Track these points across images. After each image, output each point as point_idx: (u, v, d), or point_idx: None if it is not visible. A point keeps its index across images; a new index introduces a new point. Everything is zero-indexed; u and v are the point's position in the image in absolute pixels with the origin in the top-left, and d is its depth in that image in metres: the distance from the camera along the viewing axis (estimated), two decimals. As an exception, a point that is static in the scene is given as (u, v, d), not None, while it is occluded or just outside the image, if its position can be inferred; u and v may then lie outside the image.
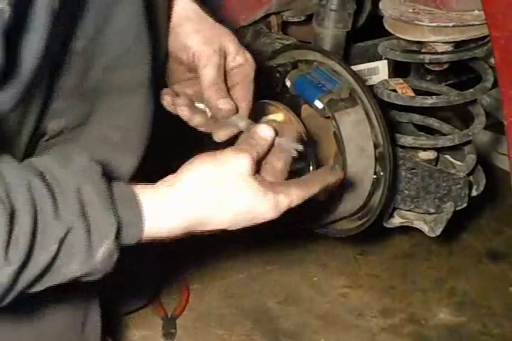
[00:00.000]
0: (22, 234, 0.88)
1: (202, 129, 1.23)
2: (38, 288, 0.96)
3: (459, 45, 1.47)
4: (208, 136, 1.23)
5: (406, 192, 1.49)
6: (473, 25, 1.38)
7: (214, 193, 1.03)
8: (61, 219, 0.91)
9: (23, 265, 0.89)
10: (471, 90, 1.48)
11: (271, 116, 1.39)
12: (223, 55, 1.20)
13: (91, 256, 0.95)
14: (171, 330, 1.97)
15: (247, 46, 1.25)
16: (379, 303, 2.09)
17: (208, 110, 1.21)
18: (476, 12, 1.36)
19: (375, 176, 1.35)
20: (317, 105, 1.34)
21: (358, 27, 1.71)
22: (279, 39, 1.73)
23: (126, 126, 1.17)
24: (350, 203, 1.37)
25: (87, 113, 1.14)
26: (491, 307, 2.07)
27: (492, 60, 1.45)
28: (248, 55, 1.23)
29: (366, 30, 1.75)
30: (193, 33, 1.21)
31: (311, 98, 1.34)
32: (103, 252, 0.95)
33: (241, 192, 1.04)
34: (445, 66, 1.51)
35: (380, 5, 1.48)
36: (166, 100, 1.22)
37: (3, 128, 1.01)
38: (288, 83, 1.42)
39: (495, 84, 1.47)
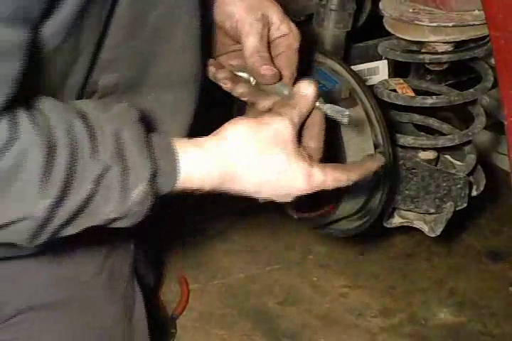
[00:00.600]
0: (59, 169, 0.90)
1: (245, 99, 1.20)
2: (72, 229, 0.99)
3: (459, 45, 1.47)
4: (252, 106, 1.21)
5: (406, 192, 1.49)
6: (473, 25, 1.38)
7: (249, 153, 1.03)
8: (98, 159, 0.94)
9: (59, 199, 0.91)
10: (471, 90, 1.48)
11: None
12: (267, 24, 1.18)
13: (126, 198, 0.97)
14: (171, 330, 1.97)
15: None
16: (379, 303, 2.09)
17: (251, 79, 1.18)
18: (476, 12, 1.36)
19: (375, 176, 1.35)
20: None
21: (358, 27, 1.71)
22: (279, 39, 1.73)
23: (178, 85, 1.16)
24: (350, 203, 1.37)
25: (140, 71, 1.11)
26: (491, 307, 2.07)
27: (492, 60, 1.45)
28: (292, 25, 1.19)
29: (366, 30, 1.75)
30: (237, 1, 1.18)
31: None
32: (137, 194, 0.97)
33: (276, 156, 1.03)
34: (445, 66, 1.51)
35: (380, 5, 1.48)
36: (211, 71, 1.21)
37: (50, 71, 1.00)
38: (288, 83, 1.41)
39: (495, 84, 1.47)
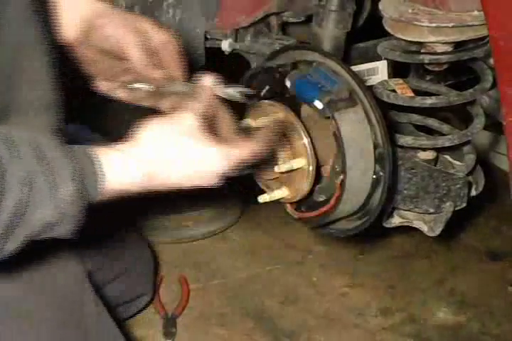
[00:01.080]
0: None
1: (146, 104, 1.31)
2: (13, 242, 0.99)
3: (458, 45, 1.47)
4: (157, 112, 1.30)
5: (405, 192, 1.49)
6: (472, 25, 1.38)
7: (163, 148, 1.11)
8: (19, 161, 0.97)
9: None
10: (471, 90, 1.48)
11: (271, 116, 1.40)
12: (144, 35, 1.30)
13: (54, 197, 0.99)
14: (171, 330, 1.97)
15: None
16: (379, 303, 2.09)
17: (148, 87, 1.28)
18: (476, 12, 1.36)
19: (374, 176, 1.35)
20: (317, 105, 1.34)
21: (357, 27, 1.71)
22: (278, 39, 1.73)
23: (41, 110, 1.22)
24: (349, 203, 1.37)
25: (4, 98, 1.17)
26: (490, 306, 2.07)
27: (491, 61, 1.45)
28: (168, 31, 1.33)
29: (366, 30, 1.75)
30: (108, 23, 1.29)
31: (311, 98, 1.34)
32: (66, 194, 1.00)
33: (189, 145, 1.12)
34: (444, 66, 1.51)
35: (380, 5, 1.48)
36: (103, 86, 1.31)
37: None
38: (288, 83, 1.41)
39: (494, 85, 1.47)
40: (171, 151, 1.12)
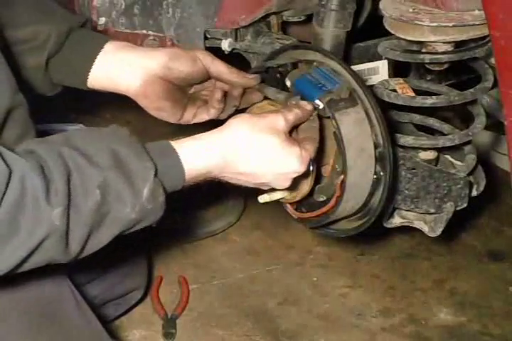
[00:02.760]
0: (58, 182, 1.02)
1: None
2: (103, 237, 1.09)
3: (459, 45, 1.46)
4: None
5: (406, 192, 1.48)
6: (473, 25, 1.38)
7: (247, 139, 1.21)
8: (97, 167, 1.07)
9: (70, 206, 1.03)
10: (471, 90, 1.48)
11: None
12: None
13: (139, 197, 1.09)
14: (171, 330, 1.97)
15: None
16: (379, 303, 2.09)
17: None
18: (477, 12, 1.36)
19: (375, 176, 1.34)
20: (317, 105, 1.33)
21: (358, 27, 1.70)
22: (279, 39, 1.73)
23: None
24: (350, 203, 1.37)
25: None
26: (491, 307, 2.07)
27: (492, 60, 1.45)
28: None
29: (366, 30, 1.75)
30: (181, 54, 1.39)
31: (311, 98, 1.34)
32: (147, 191, 1.09)
33: (271, 141, 1.21)
34: (445, 66, 1.50)
35: (380, 5, 1.48)
36: (186, 116, 1.44)
37: None
38: (288, 83, 1.41)
39: (495, 84, 1.47)
40: (253, 142, 1.21)
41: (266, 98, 1.44)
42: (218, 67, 1.40)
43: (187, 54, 1.39)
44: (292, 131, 1.29)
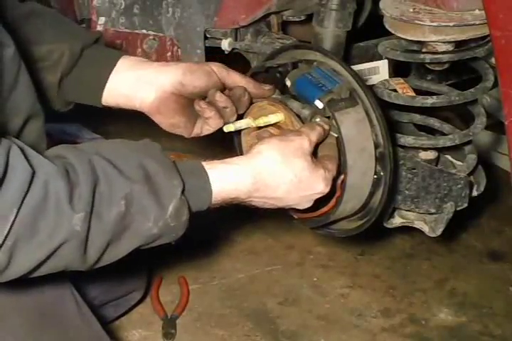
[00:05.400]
0: (83, 187, 1.03)
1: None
2: (122, 248, 1.10)
3: (459, 44, 1.46)
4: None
5: (406, 192, 1.48)
6: (473, 24, 1.38)
7: (277, 163, 1.23)
8: (125, 178, 1.07)
9: (92, 213, 1.03)
10: (472, 90, 1.48)
11: (271, 116, 1.39)
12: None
13: (163, 213, 1.10)
14: (170, 330, 1.97)
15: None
16: (379, 303, 2.09)
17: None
18: (477, 11, 1.36)
19: (375, 176, 1.34)
20: (317, 105, 1.33)
21: (358, 27, 1.70)
22: (279, 39, 1.73)
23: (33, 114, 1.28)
24: (350, 203, 1.37)
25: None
26: (491, 307, 2.07)
27: (493, 60, 1.44)
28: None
29: (366, 30, 1.75)
30: (203, 66, 1.39)
31: (311, 98, 1.34)
32: (172, 208, 1.10)
33: (299, 165, 1.24)
34: (446, 66, 1.50)
35: (381, 4, 1.48)
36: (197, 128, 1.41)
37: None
38: (288, 83, 1.41)
39: (495, 84, 1.46)
40: (283, 166, 1.24)
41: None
42: (234, 79, 1.39)
43: (201, 68, 1.37)
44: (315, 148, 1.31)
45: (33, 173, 1.00)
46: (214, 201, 1.19)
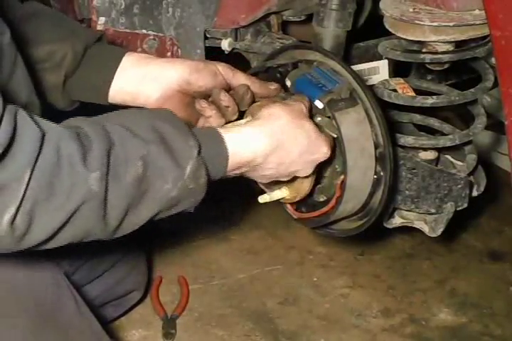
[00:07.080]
0: (96, 149, 1.02)
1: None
2: (144, 213, 1.09)
3: (459, 44, 1.46)
4: None
5: (406, 192, 1.48)
6: (473, 24, 1.38)
7: (288, 124, 1.23)
8: (140, 140, 1.07)
9: (108, 174, 1.02)
10: (472, 90, 1.48)
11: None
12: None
13: (181, 174, 1.09)
14: (170, 330, 1.97)
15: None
16: (379, 303, 2.09)
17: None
18: (477, 11, 1.36)
19: (375, 176, 1.34)
20: (317, 105, 1.33)
21: (358, 27, 1.70)
22: (279, 39, 1.73)
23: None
24: (350, 203, 1.37)
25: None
26: (491, 307, 2.07)
27: (493, 60, 1.45)
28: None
29: (366, 30, 1.75)
30: (202, 65, 1.39)
31: (311, 98, 1.34)
32: (190, 169, 1.10)
33: (307, 127, 1.26)
34: (446, 66, 1.50)
35: (381, 4, 1.48)
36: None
37: None
38: (288, 83, 1.41)
39: (495, 84, 1.46)
40: (294, 127, 1.24)
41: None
42: (240, 80, 1.39)
43: (207, 67, 1.37)
44: None
45: (43, 135, 0.98)
46: (230, 165, 1.18)
